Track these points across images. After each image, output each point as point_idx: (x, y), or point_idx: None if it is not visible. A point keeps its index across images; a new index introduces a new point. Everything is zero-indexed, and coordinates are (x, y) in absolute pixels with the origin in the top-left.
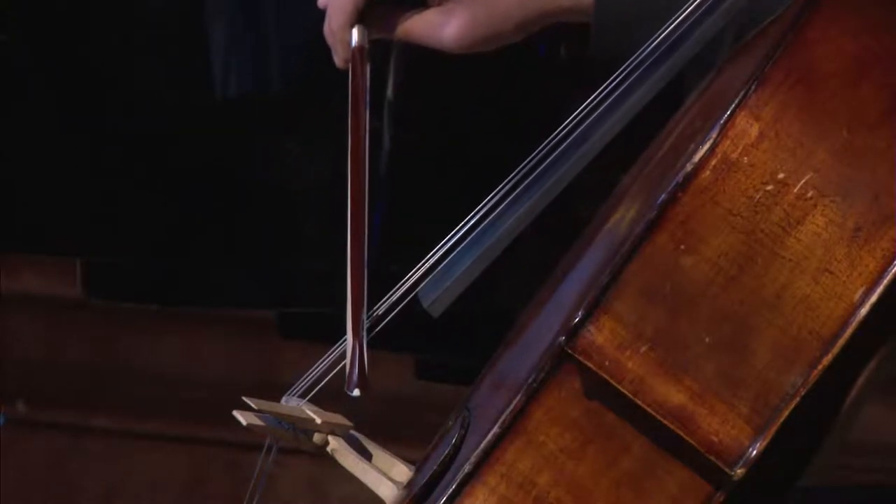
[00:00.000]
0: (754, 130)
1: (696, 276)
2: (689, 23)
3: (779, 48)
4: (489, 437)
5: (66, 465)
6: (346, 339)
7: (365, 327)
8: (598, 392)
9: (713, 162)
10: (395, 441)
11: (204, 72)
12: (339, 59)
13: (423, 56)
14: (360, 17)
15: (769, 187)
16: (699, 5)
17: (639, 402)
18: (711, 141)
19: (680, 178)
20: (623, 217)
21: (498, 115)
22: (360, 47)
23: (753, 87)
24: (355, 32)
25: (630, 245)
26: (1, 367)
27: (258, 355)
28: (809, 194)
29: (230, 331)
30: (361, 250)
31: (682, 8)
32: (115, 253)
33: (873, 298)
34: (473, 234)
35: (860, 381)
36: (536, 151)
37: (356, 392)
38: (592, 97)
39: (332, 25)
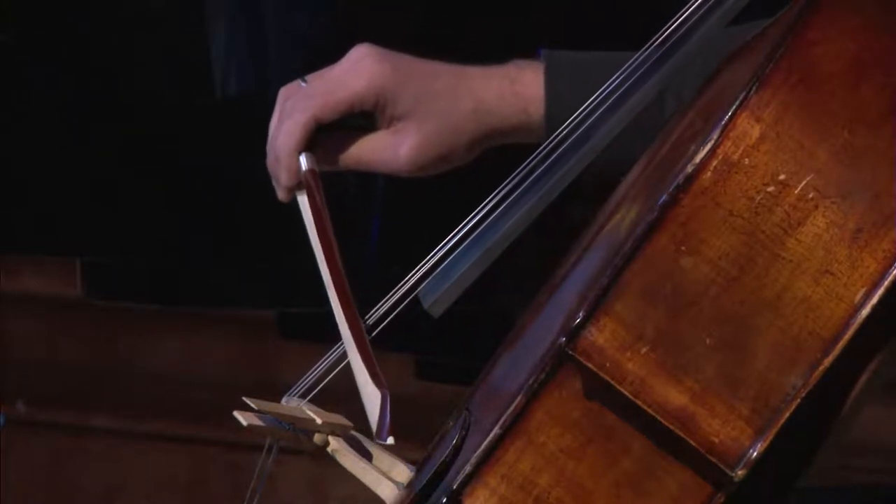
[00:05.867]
0: (755, 131)
1: (697, 277)
2: (687, 26)
3: (779, 49)
4: (490, 437)
5: (66, 465)
6: (346, 345)
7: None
8: (599, 393)
9: (714, 163)
10: (395, 441)
11: (204, 72)
12: (281, 191)
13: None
14: (309, 145)
15: (770, 188)
16: (695, 12)
17: (639, 403)
18: (712, 142)
19: (681, 179)
20: (623, 218)
21: None
22: (311, 170)
23: (754, 88)
24: (303, 158)
25: (631, 246)
26: (1, 367)
27: (258, 355)
28: (810, 195)
29: (230, 331)
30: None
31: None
32: (115, 253)
33: (874, 300)
34: (474, 235)
35: (861, 381)
36: (536, 153)
37: (390, 440)
38: (592, 98)
39: (279, 152)
